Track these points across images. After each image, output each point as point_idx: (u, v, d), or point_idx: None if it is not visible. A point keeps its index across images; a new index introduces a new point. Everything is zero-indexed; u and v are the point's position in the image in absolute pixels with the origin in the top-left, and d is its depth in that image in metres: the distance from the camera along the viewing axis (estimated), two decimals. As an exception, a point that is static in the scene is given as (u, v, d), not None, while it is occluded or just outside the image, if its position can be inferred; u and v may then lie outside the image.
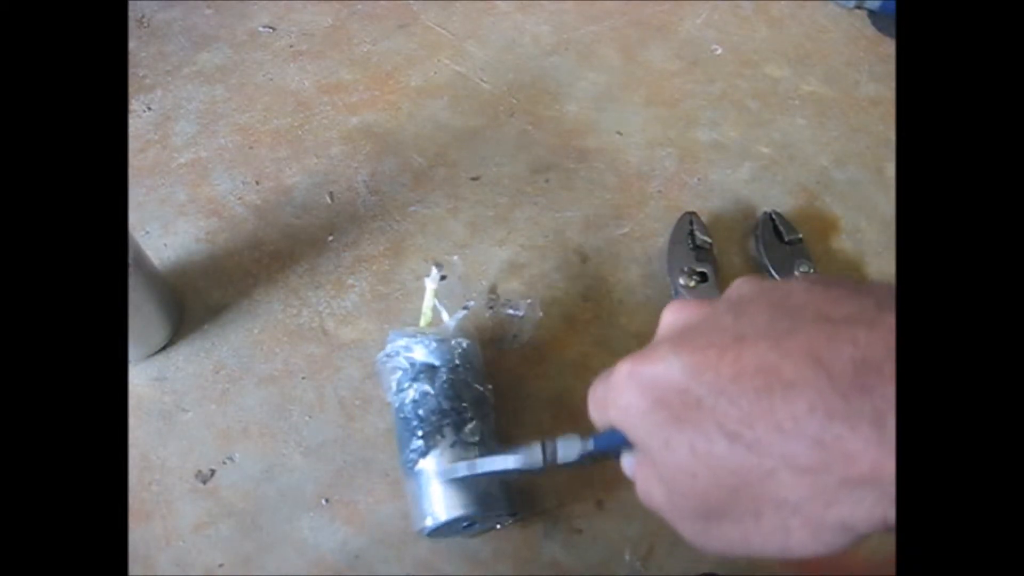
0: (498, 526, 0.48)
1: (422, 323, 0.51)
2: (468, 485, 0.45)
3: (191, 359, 0.56)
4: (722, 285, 0.58)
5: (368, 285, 0.59)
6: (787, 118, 0.70)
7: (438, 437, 0.45)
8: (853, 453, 0.22)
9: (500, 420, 0.50)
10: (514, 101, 0.71)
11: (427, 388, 0.47)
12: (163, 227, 0.62)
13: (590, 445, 0.35)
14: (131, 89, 0.71)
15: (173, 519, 0.50)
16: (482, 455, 0.46)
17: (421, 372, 0.47)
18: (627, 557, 0.49)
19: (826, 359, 0.23)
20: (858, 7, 0.78)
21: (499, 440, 0.49)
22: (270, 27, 0.76)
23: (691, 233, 0.60)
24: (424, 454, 0.45)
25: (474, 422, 0.46)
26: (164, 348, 0.56)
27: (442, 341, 0.48)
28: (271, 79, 0.72)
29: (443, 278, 0.52)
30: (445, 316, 0.51)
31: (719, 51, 0.75)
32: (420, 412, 0.46)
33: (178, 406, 0.54)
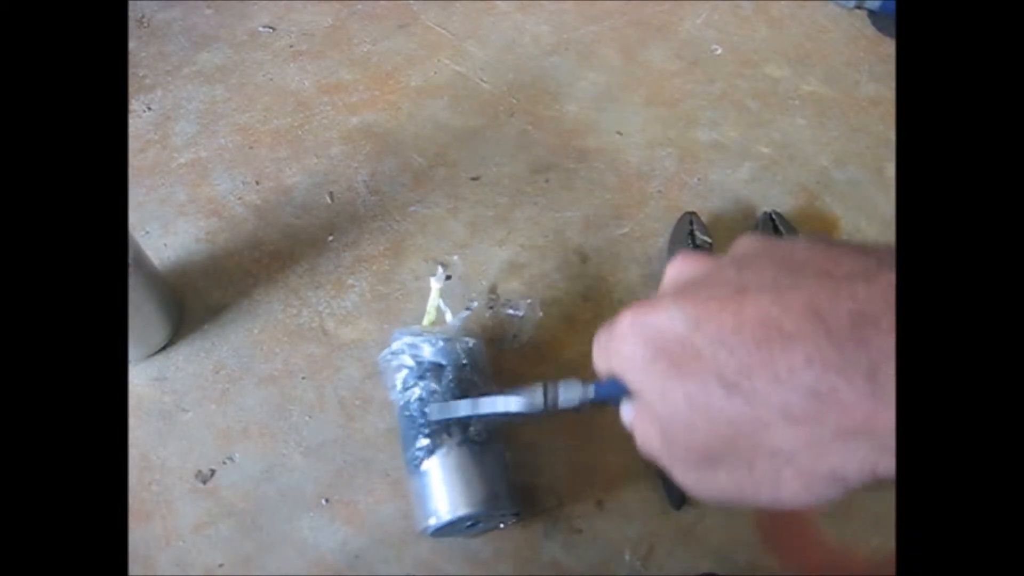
0: (501, 525, 0.48)
1: (425, 322, 0.51)
2: (472, 485, 0.45)
3: (191, 359, 0.56)
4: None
5: (368, 285, 0.59)
6: (787, 118, 0.70)
7: (445, 436, 0.46)
8: (847, 404, 0.23)
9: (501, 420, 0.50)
10: (514, 101, 0.71)
11: (434, 386, 0.47)
12: (163, 227, 0.62)
13: (591, 392, 0.35)
14: (131, 89, 0.71)
15: (173, 519, 0.50)
16: (488, 456, 0.46)
17: (428, 370, 0.47)
18: (627, 557, 0.49)
19: (825, 313, 0.23)
20: (858, 7, 0.78)
21: (505, 440, 0.49)
22: (270, 27, 0.76)
23: (691, 233, 0.60)
24: (431, 453, 0.45)
25: (481, 422, 0.46)
26: (164, 348, 0.56)
27: (449, 340, 0.48)
28: (271, 79, 0.72)
29: (448, 278, 0.52)
30: (449, 316, 0.51)
31: (719, 51, 0.75)
32: (426, 411, 0.46)
33: (178, 406, 0.54)
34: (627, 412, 0.33)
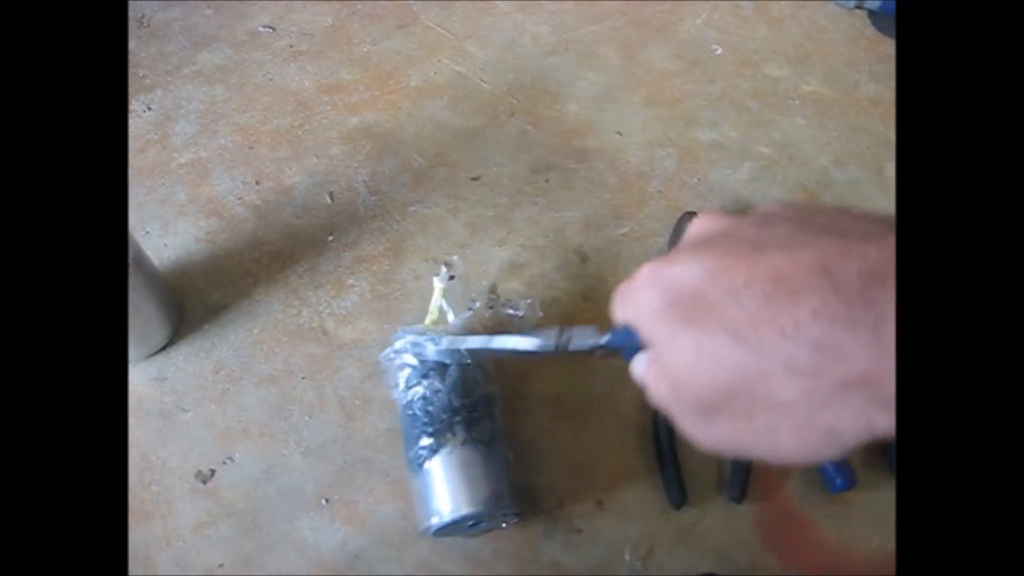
0: (503, 525, 0.48)
1: (428, 321, 0.51)
2: (475, 484, 0.45)
3: (191, 359, 0.56)
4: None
5: (368, 285, 0.59)
6: (787, 118, 0.70)
7: (449, 435, 0.46)
8: (849, 356, 0.23)
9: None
10: (514, 101, 0.71)
11: (439, 385, 0.47)
12: (163, 227, 0.62)
13: (604, 339, 0.36)
14: (131, 89, 0.71)
15: (173, 519, 0.50)
16: (492, 455, 0.46)
17: (432, 369, 0.47)
18: (627, 557, 0.49)
19: (834, 270, 0.24)
20: (858, 7, 0.78)
21: (508, 440, 0.49)
22: (270, 27, 0.76)
23: (691, 233, 0.60)
24: (435, 452, 0.45)
25: (484, 421, 0.47)
26: (164, 348, 0.56)
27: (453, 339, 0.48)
28: (271, 79, 0.72)
29: (452, 278, 0.52)
30: (451, 316, 0.51)
31: (719, 51, 0.75)
32: (430, 409, 0.46)
33: (178, 406, 0.54)
34: (638, 364, 0.33)
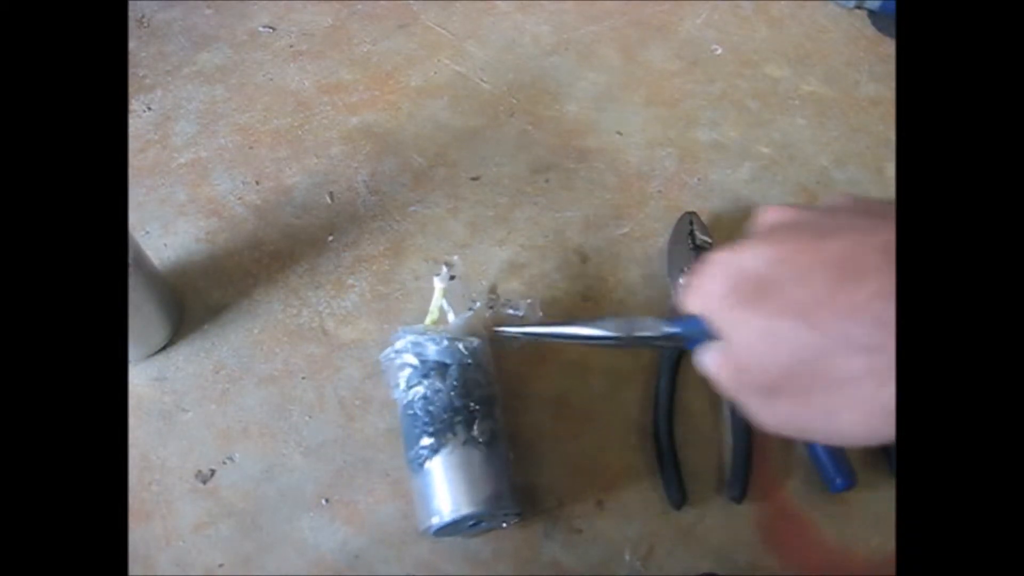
0: (503, 525, 0.48)
1: (428, 321, 0.52)
2: (476, 484, 0.45)
3: (191, 359, 0.56)
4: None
5: (368, 285, 0.59)
6: (787, 118, 0.70)
7: (449, 435, 0.46)
8: None
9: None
10: (514, 101, 0.71)
11: (439, 385, 0.47)
12: (163, 227, 0.62)
13: (670, 328, 0.36)
14: (131, 89, 0.71)
15: (173, 519, 0.50)
16: (492, 455, 0.46)
17: (432, 369, 0.47)
18: (627, 557, 0.49)
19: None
20: (858, 7, 0.78)
21: (508, 440, 0.49)
22: (270, 27, 0.76)
23: (691, 233, 0.60)
24: (435, 451, 0.45)
25: (485, 421, 0.47)
26: (164, 348, 0.56)
27: (453, 339, 0.48)
28: (271, 79, 0.72)
29: (452, 278, 0.52)
30: (451, 316, 0.51)
31: (719, 51, 0.75)
32: (431, 409, 0.46)
33: (178, 406, 0.54)
34: (704, 353, 0.33)
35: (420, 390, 0.47)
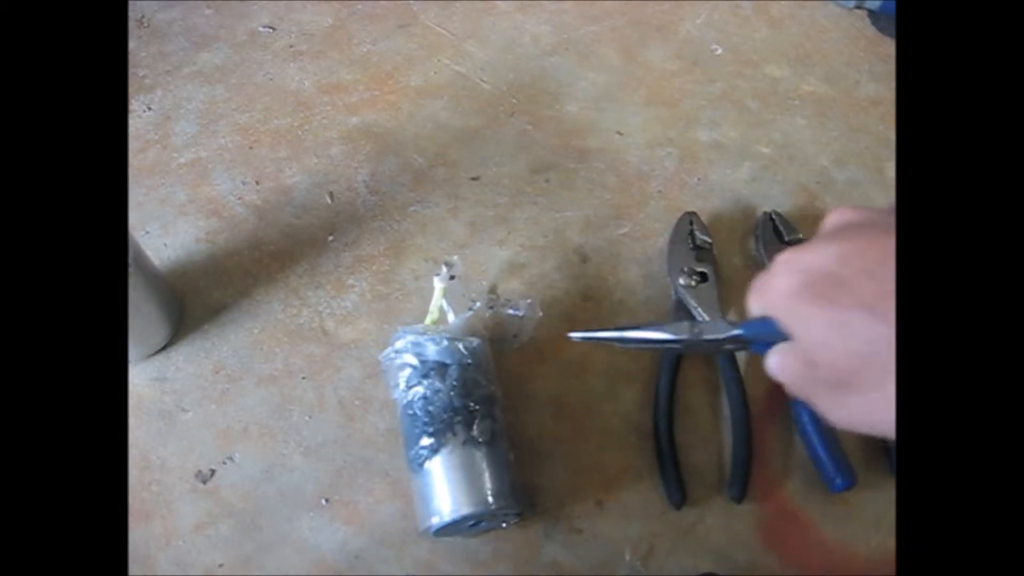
0: (503, 525, 0.48)
1: (428, 321, 0.52)
2: (476, 484, 0.45)
3: (191, 359, 0.56)
4: (722, 285, 0.58)
5: (368, 285, 0.59)
6: (787, 118, 0.70)
7: (449, 435, 0.46)
8: None
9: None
10: (514, 101, 0.71)
11: (439, 385, 0.47)
12: (163, 227, 0.62)
13: (737, 330, 0.36)
14: (131, 89, 0.71)
15: (173, 519, 0.50)
16: (492, 455, 0.46)
17: (432, 369, 0.47)
18: (627, 557, 0.49)
19: None
20: (858, 7, 0.78)
21: (508, 440, 0.49)
22: (270, 27, 0.76)
23: (691, 233, 0.60)
24: (435, 451, 0.45)
25: (485, 421, 0.47)
26: (164, 348, 0.56)
27: (453, 339, 0.48)
28: (271, 79, 0.72)
29: (452, 278, 0.52)
30: (451, 316, 0.51)
31: (719, 51, 0.75)
32: (430, 409, 0.46)
33: (178, 406, 0.54)
34: (773, 354, 0.34)
35: (420, 390, 0.47)
